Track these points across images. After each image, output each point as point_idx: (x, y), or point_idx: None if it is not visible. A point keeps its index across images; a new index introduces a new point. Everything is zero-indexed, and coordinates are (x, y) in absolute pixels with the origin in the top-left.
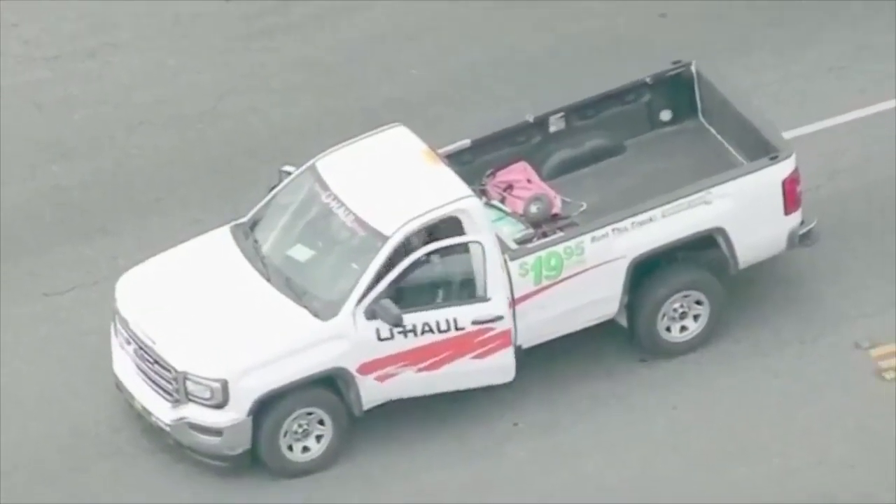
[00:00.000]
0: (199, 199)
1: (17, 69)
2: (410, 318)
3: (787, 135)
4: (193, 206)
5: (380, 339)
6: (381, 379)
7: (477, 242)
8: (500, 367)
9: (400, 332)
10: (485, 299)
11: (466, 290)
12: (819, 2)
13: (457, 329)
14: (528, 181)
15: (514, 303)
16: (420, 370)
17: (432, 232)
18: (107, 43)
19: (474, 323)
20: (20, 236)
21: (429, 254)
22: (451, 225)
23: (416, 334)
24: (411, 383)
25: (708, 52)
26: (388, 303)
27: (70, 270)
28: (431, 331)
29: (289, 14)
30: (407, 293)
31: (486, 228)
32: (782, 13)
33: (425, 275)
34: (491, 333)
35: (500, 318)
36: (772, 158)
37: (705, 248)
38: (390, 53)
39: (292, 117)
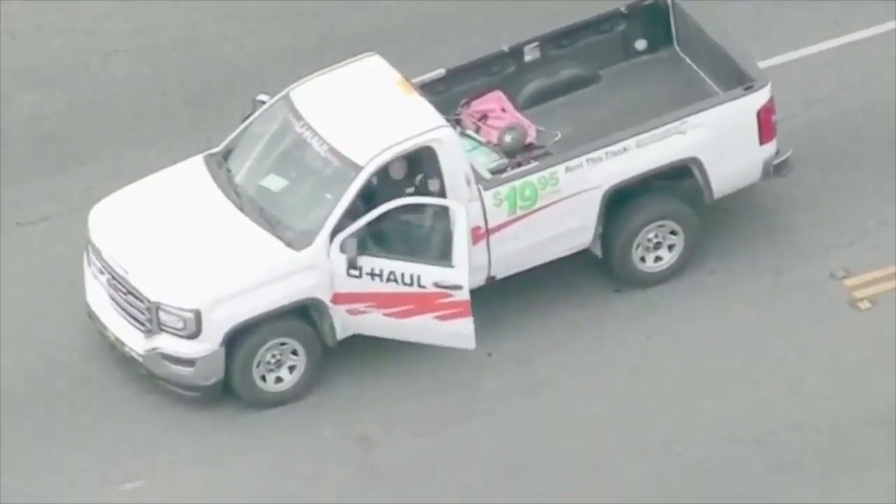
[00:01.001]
0: (173, 129)
1: None
2: (378, 263)
3: (762, 65)
4: (167, 135)
5: (349, 274)
6: (352, 313)
7: (448, 208)
8: (460, 333)
9: (368, 274)
10: (449, 265)
11: (434, 251)
12: None
13: (419, 286)
14: (503, 111)
15: (487, 233)
16: (386, 315)
17: (413, 165)
18: None
19: (436, 285)
20: None
21: (407, 206)
22: (428, 156)
23: (381, 279)
24: (378, 325)
25: None
26: (351, 242)
27: (43, 200)
28: (395, 281)
29: None
30: (378, 238)
31: (460, 158)
32: None
33: (399, 225)
34: (451, 300)
35: (459, 287)
36: (746, 88)
37: (680, 178)
38: None
39: (267, 46)
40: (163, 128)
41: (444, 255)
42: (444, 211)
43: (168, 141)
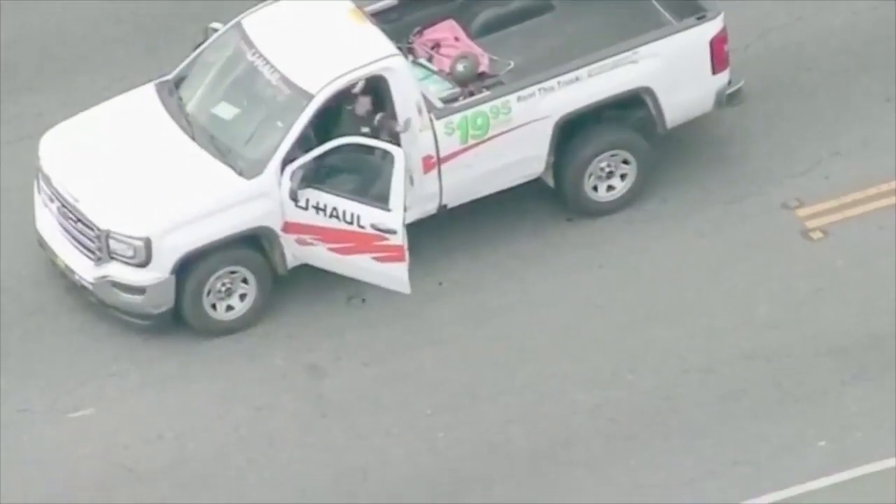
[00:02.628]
0: (125, 57)
1: None
2: (322, 198)
3: None
4: (119, 63)
5: (296, 205)
6: (300, 243)
7: (389, 153)
8: (395, 277)
9: (313, 207)
10: (386, 208)
11: (374, 192)
12: None
13: (359, 226)
14: (456, 39)
15: (439, 161)
16: (330, 250)
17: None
18: None
19: (373, 227)
20: None
21: (355, 144)
22: (380, 85)
23: (325, 214)
24: (323, 258)
25: None
26: (297, 173)
27: None
28: (337, 217)
29: None
30: (327, 173)
31: (412, 87)
32: None
33: (347, 163)
34: (386, 243)
35: (394, 232)
36: (699, 18)
37: (632, 107)
38: None
39: None
40: (115, 56)
41: (383, 198)
42: (388, 154)
43: (121, 69)
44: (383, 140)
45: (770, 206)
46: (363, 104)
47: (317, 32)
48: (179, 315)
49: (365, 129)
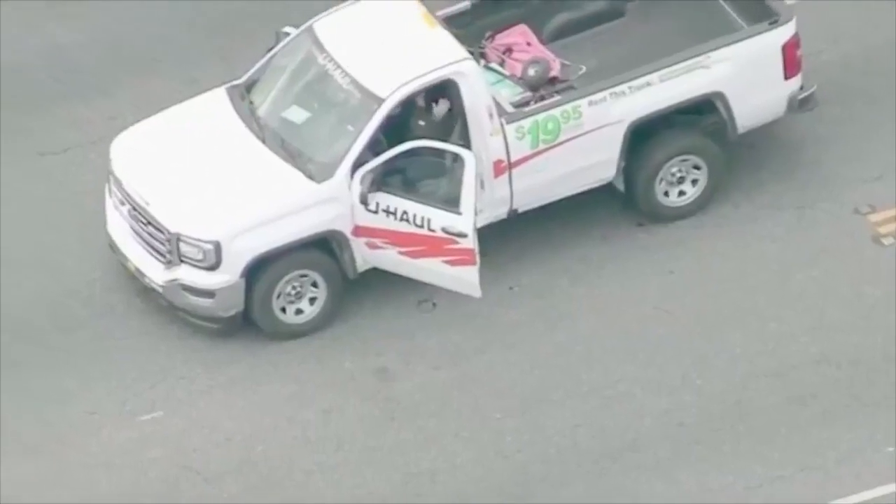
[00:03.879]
0: (196, 60)
1: None
2: (393, 201)
3: None
4: (191, 66)
5: (367, 209)
6: (370, 247)
7: (460, 156)
8: (466, 280)
9: (384, 211)
10: (457, 212)
11: (445, 196)
12: None
13: (429, 229)
14: (528, 44)
15: (510, 166)
16: (400, 253)
17: (435, 96)
18: None
19: (443, 230)
20: (17, 95)
21: (426, 147)
22: (451, 89)
23: (395, 218)
24: (393, 261)
25: None
26: (367, 177)
27: (66, 130)
28: (407, 221)
29: None
30: (398, 176)
31: (482, 91)
32: None
33: (418, 165)
34: (457, 246)
35: (464, 235)
36: (772, 23)
37: (704, 112)
38: None
39: None
40: (188, 59)
41: (453, 201)
42: (459, 157)
43: (193, 72)
44: (454, 143)
45: (841, 212)
46: (442, 108)
47: (388, 36)
48: (249, 318)
49: (436, 133)
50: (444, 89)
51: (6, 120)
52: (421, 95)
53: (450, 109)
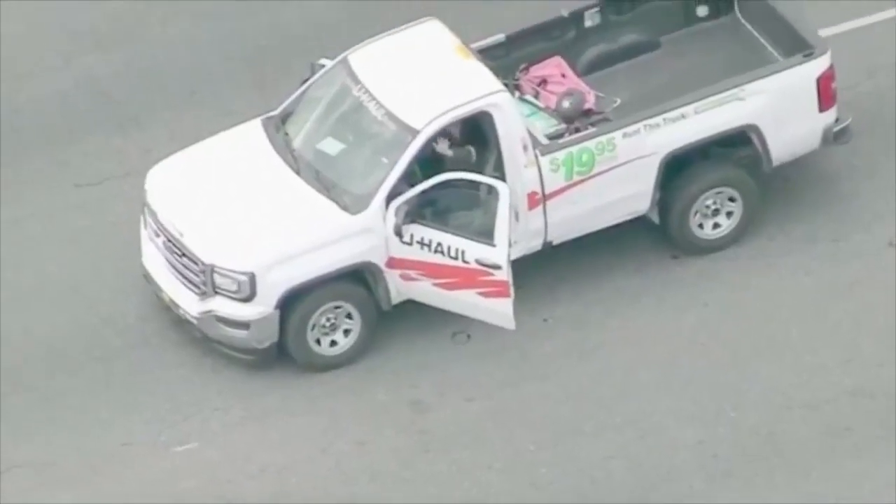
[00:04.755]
0: (232, 92)
1: None
2: (427, 233)
3: (827, 32)
4: (227, 98)
5: (401, 240)
6: (405, 278)
7: (495, 188)
8: (500, 312)
9: (418, 243)
10: (491, 244)
11: (479, 228)
12: None
13: (463, 261)
14: (563, 76)
15: (544, 198)
16: (435, 285)
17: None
18: None
19: (477, 262)
20: (53, 126)
21: (460, 179)
22: (485, 121)
23: (430, 249)
24: (428, 293)
25: None
26: (401, 209)
27: (102, 161)
28: (442, 252)
29: None
30: (432, 207)
31: (517, 123)
32: None
33: (452, 197)
34: (491, 278)
35: (499, 267)
36: (806, 55)
37: (739, 145)
38: None
39: (329, 9)
40: (223, 90)
41: (488, 233)
42: (494, 189)
43: (228, 104)
44: (488, 175)
45: (876, 245)
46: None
47: (423, 68)
48: (283, 350)
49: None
50: (477, 121)
51: (43, 151)
52: (456, 127)
53: (450, 146)
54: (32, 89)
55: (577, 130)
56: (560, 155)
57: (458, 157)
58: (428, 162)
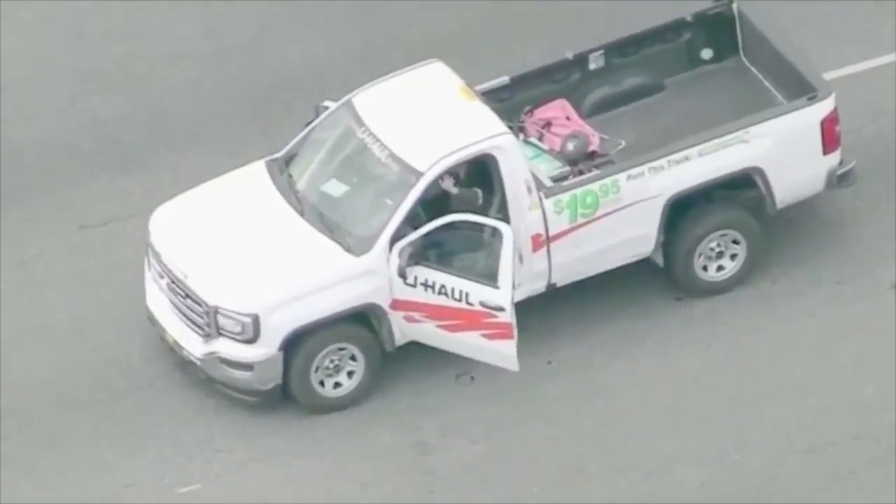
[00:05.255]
0: (237, 134)
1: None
2: (431, 275)
3: (831, 75)
4: (232, 140)
5: (405, 282)
6: (408, 320)
7: (498, 230)
8: (503, 354)
9: (422, 284)
10: (495, 286)
11: (483, 270)
12: None
13: (467, 303)
14: (567, 119)
15: (548, 240)
16: (439, 327)
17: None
18: None
19: (481, 304)
20: (57, 167)
21: (463, 221)
22: (489, 163)
23: (433, 291)
24: (432, 335)
25: None
26: (405, 251)
27: (106, 203)
28: (445, 294)
29: None
30: (435, 249)
31: (521, 166)
32: None
33: (456, 239)
34: (495, 320)
35: (502, 309)
36: (810, 98)
37: (743, 187)
38: None
39: (333, 51)
40: (227, 133)
41: (491, 275)
42: (497, 231)
43: (232, 145)
44: (492, 217)
45: (880, 288)
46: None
47: (427, 110)
48: (287, 391)
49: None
50: (482, 163)
51: (47, 192)
52: (462, 168)
53: (455, 184)
54: (38, 130)
55: (582, 173)
56: (564, 197)
57: (464, 197)
58: (432, 202)
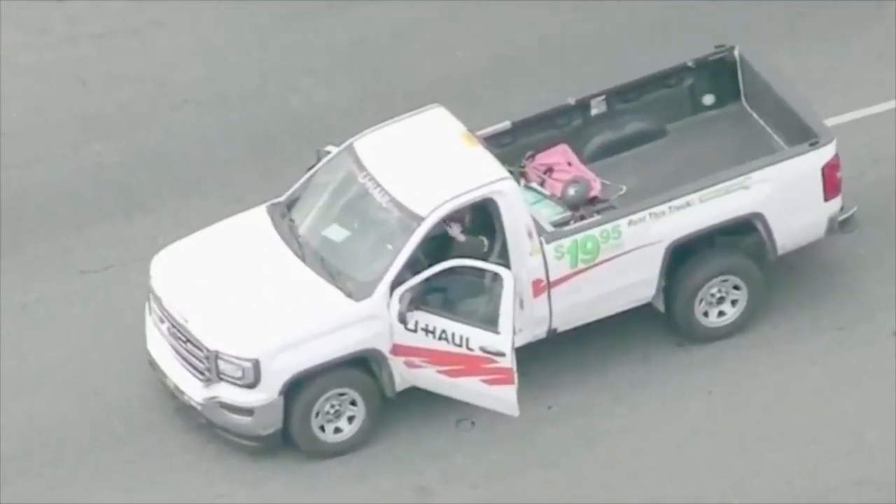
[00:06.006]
0: (240, 179)
1: (62, 45)
2: (431, 320)
3: (833, 121)
4: (234, 185)
5: (405, 327)
6: (409, 365)
7: (499, 275)
8: (504, 400)
9: (422, 330)
10: (495, 331)
11: (483, 315)
12: None
13: (468, 348)
14: (569, 164)
15: (549, 285)
16: (439, 372)
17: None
18: (152, 21)
19: (482, 349)
20: (59, 213)
21: (465, 266)
22: (490, 208)
23: (434, 337)
24: (432, 381)
25: (754, 36)
26: (405, 296)
27: (108, 248)
28: (446, 339)
29: None
30: (434, 294)
31: (522, 211)
32: None
33: (457, 284)
34: (495, 365)
35: (503, 354)
36: (812, 144)
37: (744, 233)
38: (434, 34)
39: (335, 97)
40: (229, 178)
41: (492, 320)
42: (498, 276)
43: (234, 191)
44: (493, 262)
45: (881, 334)
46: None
47: (428, 155)
48: (288, 436)
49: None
50: (482, 208)
51: (49, 238)
52: (468, 213)
53: (462, 231)
54: (40, 175)
55: (583, 218)
56: (565, 242)
57: (470, 245)
58: (433, 247)
